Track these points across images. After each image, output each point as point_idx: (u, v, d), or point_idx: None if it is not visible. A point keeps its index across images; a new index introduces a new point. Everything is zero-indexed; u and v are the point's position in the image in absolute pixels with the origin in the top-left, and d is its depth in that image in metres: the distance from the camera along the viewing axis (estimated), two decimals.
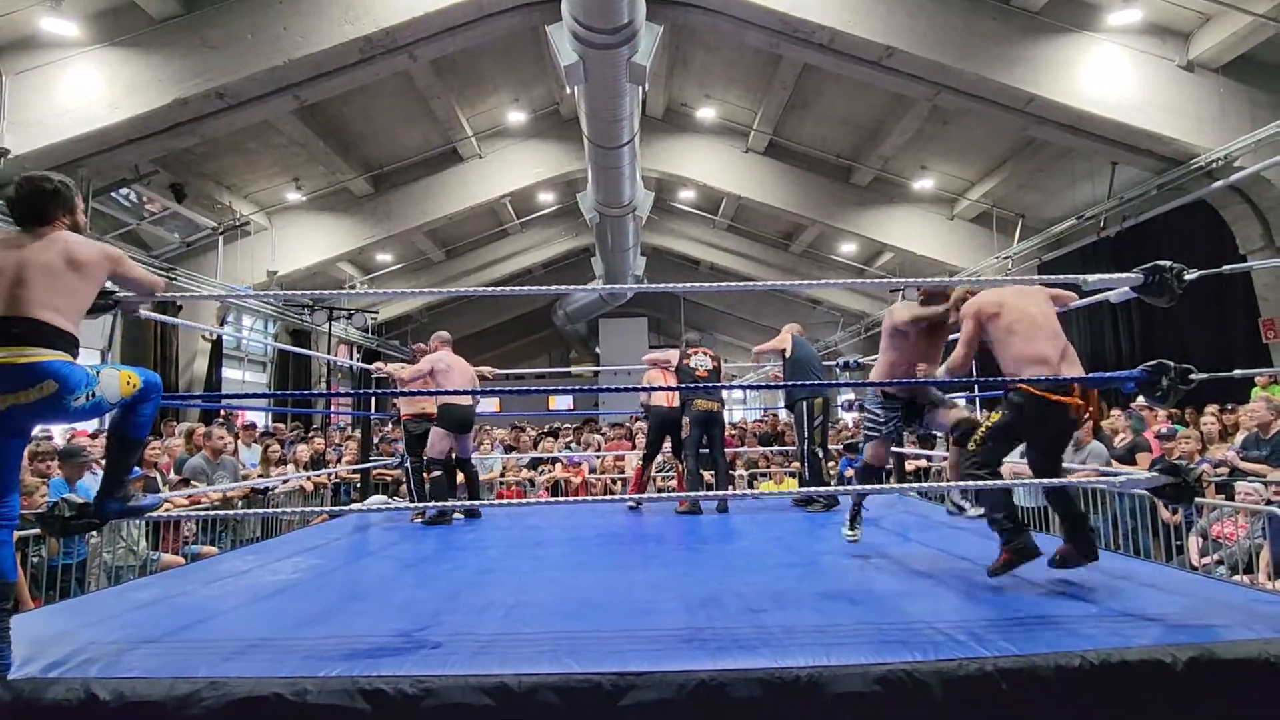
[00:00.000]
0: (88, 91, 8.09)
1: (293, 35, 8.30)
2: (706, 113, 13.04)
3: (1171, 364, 2.70)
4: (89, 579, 4.84)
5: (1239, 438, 5.65)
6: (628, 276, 16.61)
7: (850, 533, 3.87)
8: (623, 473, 8.54)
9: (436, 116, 12.07)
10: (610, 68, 8.11)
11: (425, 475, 5.79)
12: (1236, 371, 4.12)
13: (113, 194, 10.24)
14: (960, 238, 13.65)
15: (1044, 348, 2.96)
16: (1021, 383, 2.90)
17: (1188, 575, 3.45)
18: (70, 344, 2.30)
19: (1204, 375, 2.77)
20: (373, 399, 7.42)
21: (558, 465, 8.68)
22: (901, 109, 11.10)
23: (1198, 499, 4.37)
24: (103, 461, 2.61)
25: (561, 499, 7.76)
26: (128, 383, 2.42)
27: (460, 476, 5.98)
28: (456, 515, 5.67)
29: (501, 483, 8.24)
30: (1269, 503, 4.53)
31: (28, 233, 2.36)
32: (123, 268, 2.51)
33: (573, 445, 9.70)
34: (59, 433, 6.96)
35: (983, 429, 3.08)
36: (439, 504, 5.36)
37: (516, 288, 3.17)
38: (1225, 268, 3.54)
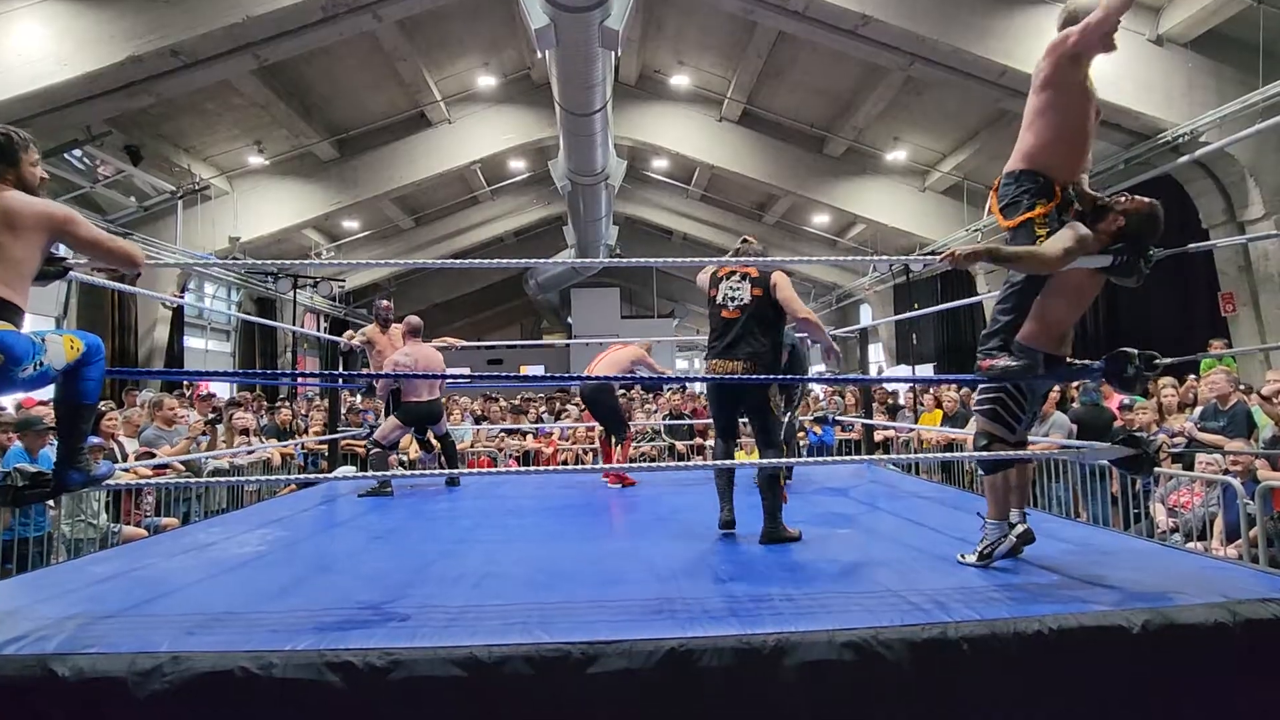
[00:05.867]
0: (34, 47, 7.73)
1: None
2: (680, 80, 12.89)
3: (1134, 351, 2.71)
4: (48, 552, 4.74)
5: (1198, 410, 5.79)
6: (600, 246, 16.47)
7: None
8: (593, 443, 8.55)
9: (403, 79, 11.77)
10: (582, 32, 7.95)
11: (366, 451, 5.70)
12: (1200, 355, 4.21)
13: (64, 155, 9.86)
14: (931, 210, 13.74)
15: None
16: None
17: (1145, 543, 3.55)
18: (13, 312, 2.19)
19: (1169, 360, 2.79)
20: (340, 368, 7.32)
21: (529, 436, 8.66)
22: (875, 79, 11.07)
23: (1157, 469, 4.49)
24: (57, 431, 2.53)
25: (534, 469, 7.76)
26: (71, 347, 2.32)
27: (437, 446, 5.94)
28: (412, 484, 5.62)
29: (472, 453, 8.21)
30: (1226, 472, 4.66)
31: None
32: (72, 229, 2.33)
33: (545, 416, 9.68)
34: (9, 402, 6.76)
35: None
36: (418, 473, 5.32)
37: (483, 260, 3.11)
38: (1190, 246, 3.58)
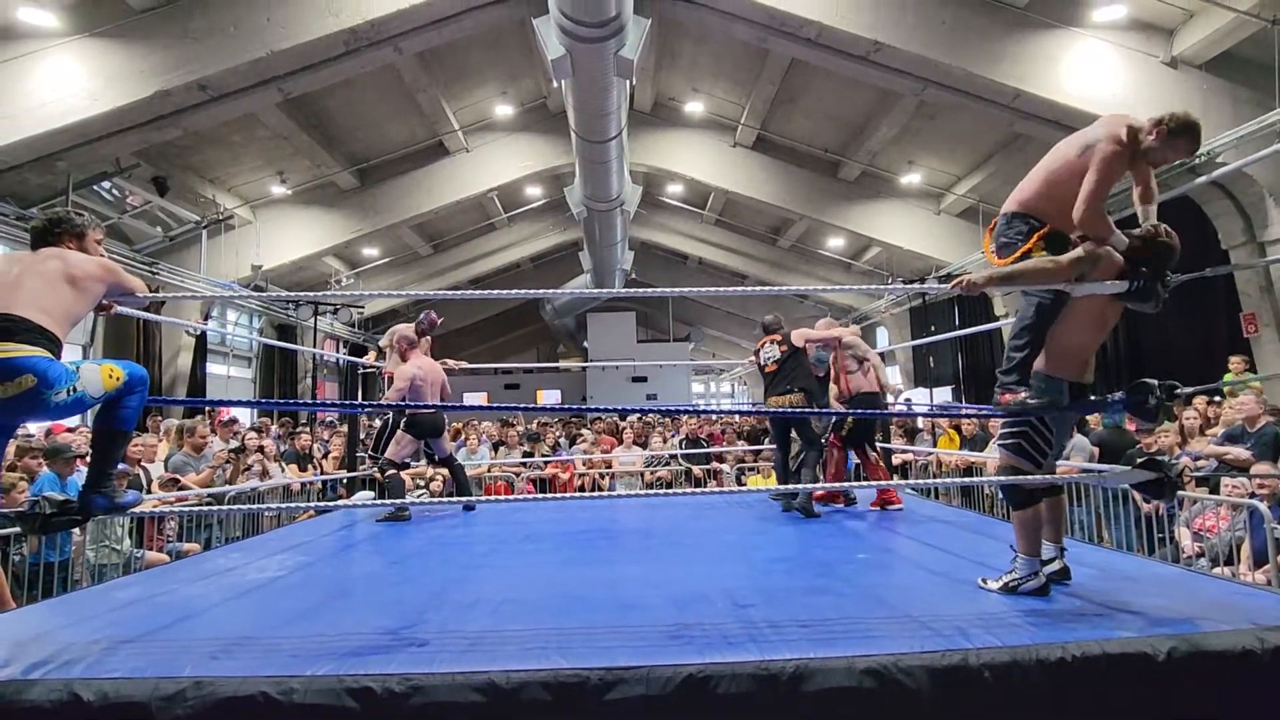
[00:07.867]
0: (67, 83, 7.96)
1: (276, 27, 8.21)
2: (694, 107, 13.02)
3: (1155, 382, 2.68)
4: (72, 578, 4.79)
5: (1220, 430, 5.70)
6: (616, 271, 16.54)
7: None
8: (609, 467, 8.55)
9: (423, 110, 11.98)
10: (598, 61, 8.08)
11: (381, 475, 5.70)
12: (1223, 383, 4.16)
13: (94, 187, 10.10)
14: (947, 232, 13.71)
15: None
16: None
17: (1170, 568, 3.50)
18: (52, 343, 2.31)
19: (1190, 390, 2.76)
20: (359, 394, 7.40)
21: (548, 464, 8.67)
22: (889, 104, 11.12)
23: (1180, 493, 4.43)
24: (89, 456, 2.64)
25: (551, 495, 7.75)
26: (110, 376, 2.42)
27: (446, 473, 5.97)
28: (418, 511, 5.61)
29: (489, 478, 8.22)
30: (1253, 496, 4.58)
31: (35, 251, 2.52)
32: (117, 279, 2.60)
33: (561, 442, 9.69)
34: (36, 429, 6.88)
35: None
36: (428, 499, 5.34)
37: (500, 290, 3.18)
38: (1208, 270, 3.56)
